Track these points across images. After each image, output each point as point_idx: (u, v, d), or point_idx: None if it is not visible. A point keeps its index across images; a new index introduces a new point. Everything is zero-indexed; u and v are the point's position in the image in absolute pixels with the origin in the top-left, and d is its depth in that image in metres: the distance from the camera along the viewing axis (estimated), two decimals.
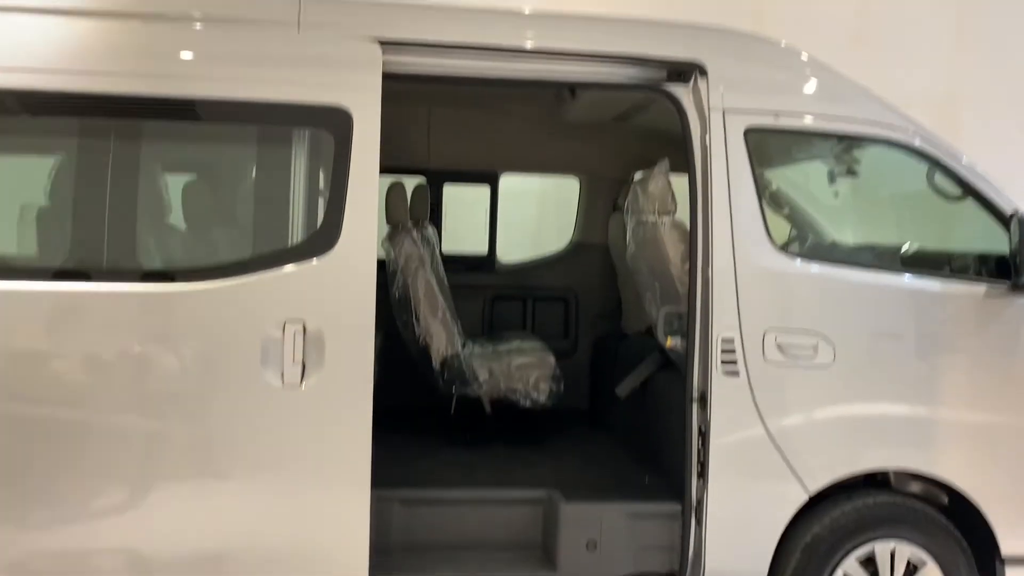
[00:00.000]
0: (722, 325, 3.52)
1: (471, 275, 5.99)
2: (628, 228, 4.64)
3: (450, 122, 5.80)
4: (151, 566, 3.21)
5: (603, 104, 4.97)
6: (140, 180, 3.39)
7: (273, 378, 3.20)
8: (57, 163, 3.54)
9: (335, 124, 3.29)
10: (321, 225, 3.30)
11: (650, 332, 4.91)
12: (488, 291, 6.04)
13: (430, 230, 5.36)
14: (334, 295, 3.25)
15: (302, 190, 3.39)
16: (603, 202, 6.01)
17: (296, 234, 3.36)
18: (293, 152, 3.42)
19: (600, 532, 3.73)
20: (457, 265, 5.81)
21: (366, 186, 3.29)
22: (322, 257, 3.24)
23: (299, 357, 3.19)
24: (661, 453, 4.27)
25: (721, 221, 3.53)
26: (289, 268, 3.24)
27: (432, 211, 5.59)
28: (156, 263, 3.48)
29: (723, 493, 3.55)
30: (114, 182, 3.29)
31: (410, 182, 5.27)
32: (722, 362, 3.51)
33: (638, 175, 5.01)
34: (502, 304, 6.07)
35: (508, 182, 6.15)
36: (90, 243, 3.34)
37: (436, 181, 5.87)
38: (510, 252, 6.29)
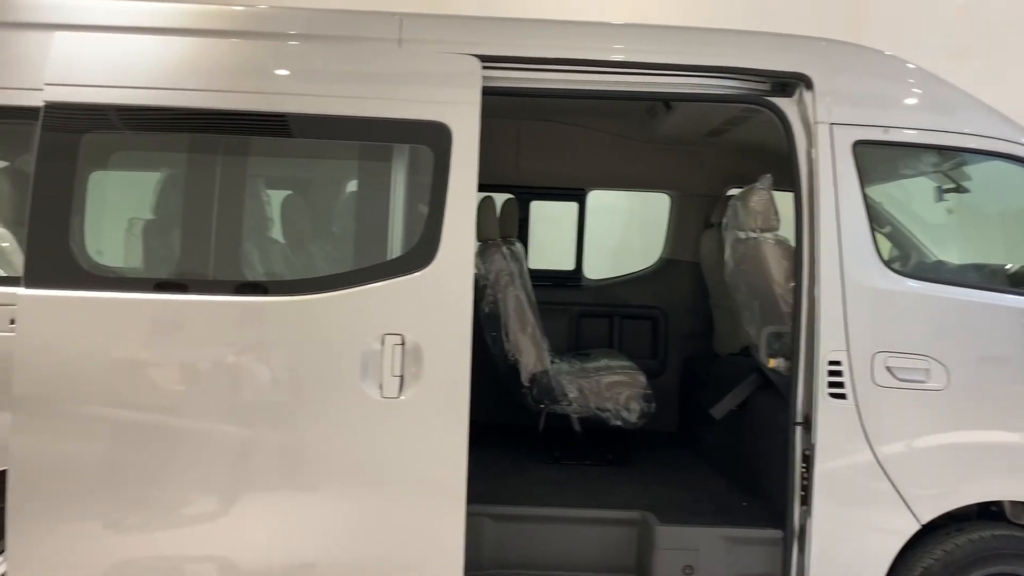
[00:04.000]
0: (829, 346, 3.40)
1: (557, 291, 5.95)
2: (726, 245, 4.53)
3: (539, 138, 5.78)
4: (242, 575, 3.23)
5: (697, 118, 4.89)
6: (245, 195, 3.46)
7: (372, 390, 3.21)
8: (161, 178, 3.63)
9: (435, 140, 3.30)
10: (419, 239, 3.31)
11: (745, 352, 4.78)
12: (574, 308, 5.98)
13: (518, 246, 5.34)
14: (432, 308, 3.26)
15: (401, 205, 3.41)
16: (695, 218, 5.91)
17: (395, 248, 3.38)
18: (393, 167, 3.45)
19: (697, 557, 3.62)
20: (543, 281, 5.78)
21: (464, 201, 3.29)
22: (421, 271, 3.25)
23: (398, 370, 3.21)
24: (759, 477, 4.14)
25: (828, 238, 3.43)
26: (389, 282, 3.25)
27: (519, 227, 5.57)
28: (259, 276, 3.53)
29: (828, 520, 3.43)
30: (221, 196, 3.36)
31: (498, 198, 5.27)
32: (828, 384, 3.40)
33: (735, 190, 4.90)
34: (588, 321, 6.00)
35: (596, 197, 6.10)
36: (195, 256, 3.41)
37: (524, 197, 5.86)
38: (596, 268, 6.22)
